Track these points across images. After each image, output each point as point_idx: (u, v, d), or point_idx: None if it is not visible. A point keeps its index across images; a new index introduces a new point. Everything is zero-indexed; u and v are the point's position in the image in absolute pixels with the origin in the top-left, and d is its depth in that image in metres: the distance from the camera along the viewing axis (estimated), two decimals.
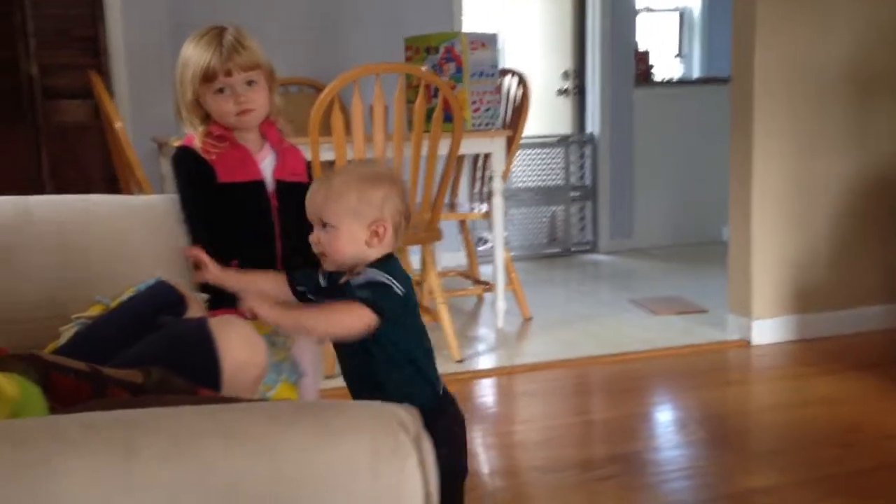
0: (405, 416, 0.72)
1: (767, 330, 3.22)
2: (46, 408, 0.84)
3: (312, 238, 1.38)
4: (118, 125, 2.80)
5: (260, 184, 1.80)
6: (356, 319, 1.23)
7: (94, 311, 1.50)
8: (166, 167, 3.02)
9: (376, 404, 0.74)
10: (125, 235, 1.69)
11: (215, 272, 1.44)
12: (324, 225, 1.35)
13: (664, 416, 2.65)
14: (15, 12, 3.98)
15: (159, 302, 1.42)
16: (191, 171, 1.77)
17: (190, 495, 0.63)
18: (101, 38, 4.08)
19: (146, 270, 1.55)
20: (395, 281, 1.29)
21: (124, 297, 1.51)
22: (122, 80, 4.07)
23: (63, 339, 1.43)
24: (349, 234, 1.33)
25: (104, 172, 4.18)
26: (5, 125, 4.06)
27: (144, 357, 1.06)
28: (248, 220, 1.79)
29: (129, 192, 2.95)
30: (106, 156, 4.00)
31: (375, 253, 1.33)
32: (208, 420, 0.69)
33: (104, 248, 1.65)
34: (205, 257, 1.46)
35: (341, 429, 0.71)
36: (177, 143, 1.83)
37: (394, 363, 1.31)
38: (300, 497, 0.66)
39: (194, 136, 1.78)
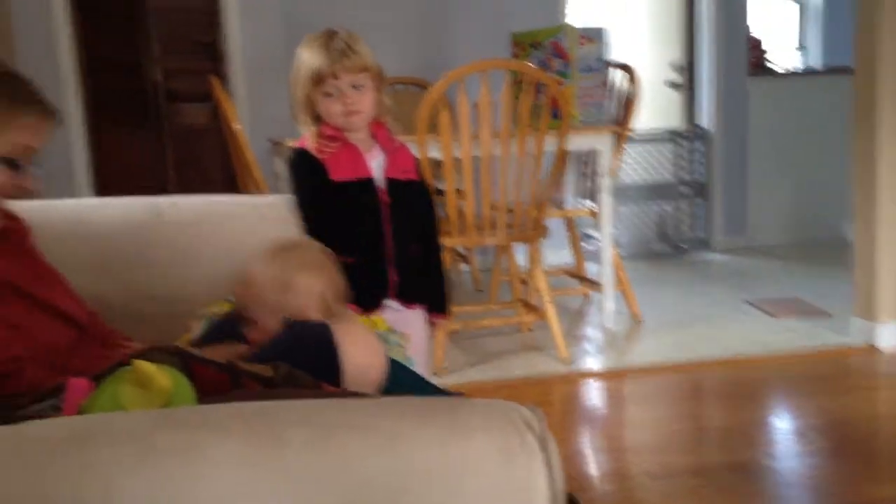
0: (530, 416, 0.73)
1: (894, 334, 3.05)
2: (195, 398, 0.88)
3: (249, 338, 1.33)
4: (237, 127, 2.91)
5: (370, 181, 1.84)
6: None
7: (221, 307, 1.56)
8: (281, 166, 3.12)
9: (502, 403, 0.75)
10: (248, 234, 1.75)
11: None
12: (252, 322, 1.32)
13: (782, 424, 2.55)
14: (140, 19, 4.20)
15: None
16: (306, 171, 1.82)
17: (331, 485, 0.65)
18: (219, 44, 4.26)
19: None
20: None
21: None
22: (240, 83, 4.23)
23: (194, 334, 1.50)
24: (271, 326, 1.29)
25: (223, 172, 4.37)
26: (132, 128, 4.30)
27: (270, 354, 1.10)
28: (360, 218, 1.83)
29: (247, 192, 3.06)
30: (224, 156, 4.18)
31: None
32: (347, 414, 0.72)
33: (229, 245, 1.71)
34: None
35: (471, 426, 0.72)
36: (292, 144, 1.89)
37: None
38: (431, 491, 0.68)
39: (308, 136, 1.83)
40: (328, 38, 1.78)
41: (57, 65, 3.98)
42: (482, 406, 0.76)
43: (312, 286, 1.33)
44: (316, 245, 1.43)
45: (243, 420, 0.69)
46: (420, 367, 1.73)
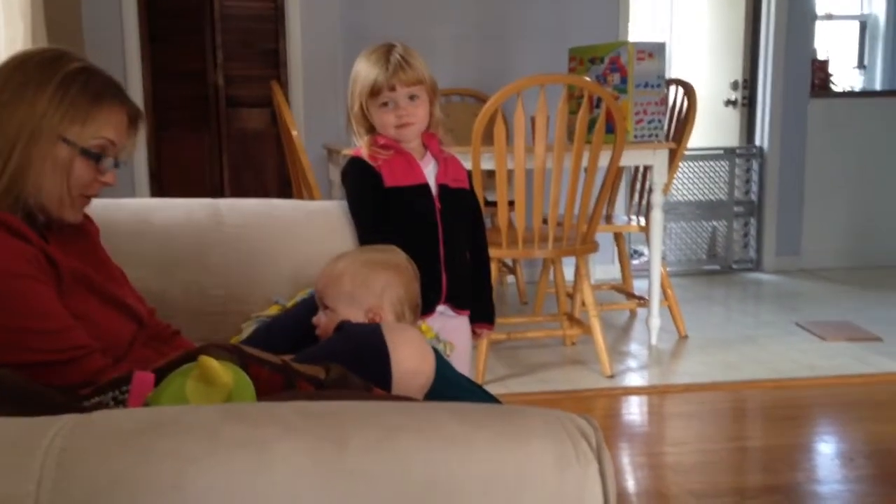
0: (586, 427, 0.75)
1: None
2: (254, 395, 0.92)
3: (314, 320, 1.39)
4: (294, 133, 2.98)
5: (425, 187, 1.88)
6: None
7: (272, 310, 1.61)
8: (335, 173, 3.19)
9: (559, 412, 0.77)
10: (302, 238, 1.80)
11: None
12: (326, 307, 1.36)
13: (828, 448, 2.51)
14: (206, 27, 4.32)
15: None
16: (361, 178, 1.87)
17: (391, 485, 0.68)
18: (282, 51, 4.36)
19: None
20: None
21: (298, 298, 1.61)
22: (299, 90, 4.32)
23: (244, 335, 1.55)
24: (345, 318, 1.32)
25: (277, 176, 4.46)
26: (193, 132, 4.41)
27: (321, 355, 1.13)
28: (414, 222, 1.87)
29: (301, 197, 3.13)
30: (280, 161, 4.27)
31: None
32: (408, 416, 0.75)
33: (283, 249, 1.77)
34: None
35: (528, 433, 0.74)
36: (347, 152, 1.94)
37: None
38: (490, 495, 0.70)
39: (362, 146, 1.88)
40: (385, 52, 1.83)
41: (125, 69, 4.11)
42: (539, 414, 0.77)
43: (389, 286, 1.37)
44: (403, 254, 1.48)
45: (307, 418, 0.72)
46: (463, 368, 1.76)
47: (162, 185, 4.37)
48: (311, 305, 1.55)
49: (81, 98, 1.22)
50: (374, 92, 1.81)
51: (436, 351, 1.26)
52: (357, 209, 1.86)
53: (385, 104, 1.82)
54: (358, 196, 1.87)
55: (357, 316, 1.35)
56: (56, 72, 1.22)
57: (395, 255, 1.46)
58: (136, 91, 4.14)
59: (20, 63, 1.24)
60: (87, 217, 1.39)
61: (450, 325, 1.91)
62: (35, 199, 1.22)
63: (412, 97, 1.82)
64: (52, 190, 1.23)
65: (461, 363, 1.79)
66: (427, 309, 1.83)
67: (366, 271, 1.38)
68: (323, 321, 1.38)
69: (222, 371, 0.88)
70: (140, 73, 4.19)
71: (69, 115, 1.21)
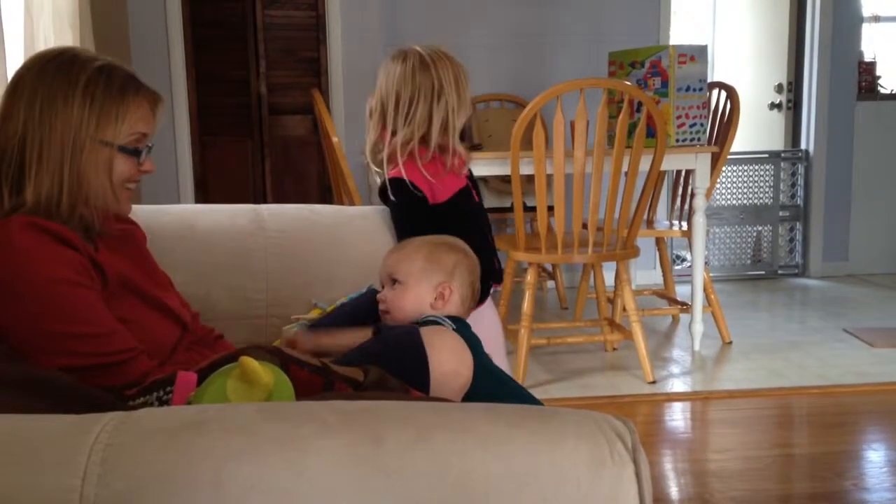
0: (622, 428, 0.75)
1: None
2: (293, 395, 0.94)
3: (379, 297, 1.43)
4: (335, 140, 3.00)
5: (466, 189, 1.88)
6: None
7: (313, 314, 1.63)
8: (373, 179, 3.20)
9: (595, 413, 0.77)
10: (342, 243, 1.82)
11: (309, 346, 1.41)
12: (393, 283, 1.40)
13: (877, 456, 2.46)
14: (249, 36, 4.39)
15: (371, 309, 1.51)
16: (408, 198, 1.84)
17: (426, 483, 0.68)
18: (322, 59, 4.41)
19: (360, 277, 1.66)
20: (447, 321, 1.31)
21: (338, 302, 1.63)
22: (339, 97, 4.36)
23: (285, 334, 1.57)
24: (415, 292, 1.38)
25: (318, 182, 4.51)
26: (236, 139, 4.48)
27: (359, 359, 1.15)
28: (469, 223, 1.85)
29: (341, 202, 3.16)
30: (321, 167, 4.31)
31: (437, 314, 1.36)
32: (443, 415, 0.75)
33: (324, 254, 1.78)
34: (299, 340, 1.44)
35: (563, 434, 0.74)
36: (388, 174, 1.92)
37: None
38: (524, 494, 0.70)
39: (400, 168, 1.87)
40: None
41: (170, 77, 4.19)
42: (574, 415, 0.77)
43: (460, 264, 1.42)
44: (467, 245, 1.52)
45: (344, 417, 0.73)
46: (499, 358, 1.75)
47: (206, 191, 4.44)
48: (351, 310, 1.56)
49: (108, 99, 1.24)
50: None
51: (474, 346, 1.27)
52: (408, 228, 1.83)
53: None
54: (406, 215, 1.85)
55: (426, 291, 1.39)
56: (77, 77, 1.23)
57: (463, 243, 1.51)
58: (180, 99, 4.23)
59: (39, 71, 1.24)
60: (134, 224, 1.42)
61: (477, 313, 1.90)
62: (88, 205, 1.25)
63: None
64: (100, 191, 1.26)
65: (495, 348, 1.78)
66: (485, 295, 1.83)
67: (437, 250, 1.43)
68: (390, 295, 1.41)
69: (262, 371, 0.90)
70: (185, 81, 4.27)
71: (102, 119, 1.24)
